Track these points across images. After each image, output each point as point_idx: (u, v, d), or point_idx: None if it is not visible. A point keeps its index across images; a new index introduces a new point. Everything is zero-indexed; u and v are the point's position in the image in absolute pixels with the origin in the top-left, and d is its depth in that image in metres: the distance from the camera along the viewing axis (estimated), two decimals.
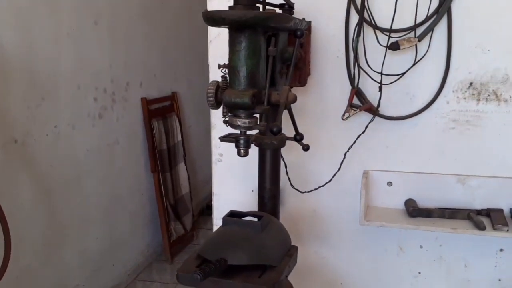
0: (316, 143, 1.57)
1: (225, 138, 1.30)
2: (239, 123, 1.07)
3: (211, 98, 1.10)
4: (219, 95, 1.10)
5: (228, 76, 1.08)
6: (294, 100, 1.10)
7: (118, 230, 3.01)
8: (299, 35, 1.06)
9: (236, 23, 0.98)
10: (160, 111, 3.46)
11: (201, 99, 4.35)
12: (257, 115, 1.13)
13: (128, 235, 3.14)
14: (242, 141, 1.10)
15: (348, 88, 1.53)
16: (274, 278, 1.05)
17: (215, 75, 1.65)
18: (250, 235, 1.12)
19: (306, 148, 1.26)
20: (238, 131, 1.10)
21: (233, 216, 1.20)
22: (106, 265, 2.88)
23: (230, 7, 1.04)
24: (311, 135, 1.40)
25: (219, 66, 1.08)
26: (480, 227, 1.38)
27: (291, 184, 1.56)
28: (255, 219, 1.16)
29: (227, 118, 1.11)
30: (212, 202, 1.80)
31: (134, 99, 3.13)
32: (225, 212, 1.79)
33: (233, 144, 1.70)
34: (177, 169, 3.73)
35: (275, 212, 1.35)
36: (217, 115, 1.70)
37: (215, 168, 1.75)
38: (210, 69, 1.67)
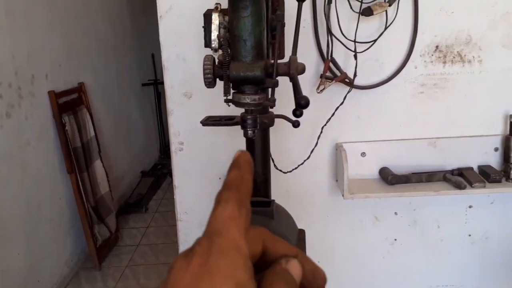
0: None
1: (208, 122, 1.16)
2: (247, 100, 0.95)
3: (209, 75, 0.96)
4: (217, 71, 0.97)
5: (228, 48, 0.94)
6: (303, 70, 1.00)
7: (39, 241, 2.67)
8: None
9: None
10: (69, 105, 3.10)
11: (108, 88, 4.05)
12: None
13: (49, 246, 2.80)
14: (249, 121, 0.98)
15: (315, 58, 1.47)
16: None
17: (168, 51, 1.49)
18: (264, 224, 1.01)
19: (297, 124, 1.17)
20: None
21: None
22: (31, 283, 2.55)
23: None
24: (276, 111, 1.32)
25: (218, 38, 0.94)
26: (461, 186, 1.42)
27: (274, 166, 1.46)
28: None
29: (229, 96, 0.98)
30: (174, 196, 1.64)
31: (41, 93, 2.77)
32: (189, 205, 1.67)
33: (195, 130, 1.58)
34: (94, 168, 3.41)
35: (267, 197, 1.25)
36: (174, 100, 1.54)
37: (176, 159, 1.59)
38: (162, 48, 1.49)
